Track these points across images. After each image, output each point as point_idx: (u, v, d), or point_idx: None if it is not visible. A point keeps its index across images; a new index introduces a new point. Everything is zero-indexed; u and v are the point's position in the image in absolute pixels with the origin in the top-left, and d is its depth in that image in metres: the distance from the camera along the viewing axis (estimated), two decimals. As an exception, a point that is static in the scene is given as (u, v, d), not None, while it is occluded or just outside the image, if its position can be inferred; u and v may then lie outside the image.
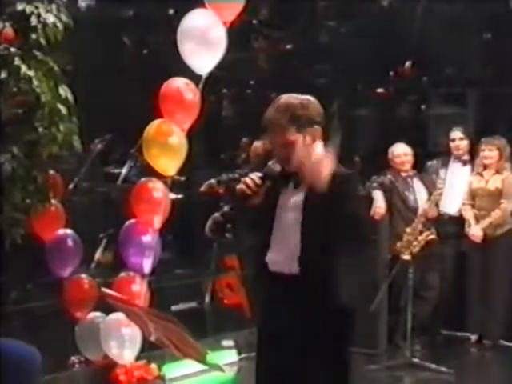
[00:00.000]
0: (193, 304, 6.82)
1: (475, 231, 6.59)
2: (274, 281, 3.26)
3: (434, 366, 5.98)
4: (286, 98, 3.29)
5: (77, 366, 5.49)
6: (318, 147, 3.27)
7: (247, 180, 3.22)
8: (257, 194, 3.22)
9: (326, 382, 3.21)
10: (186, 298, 6.82)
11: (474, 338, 6.76)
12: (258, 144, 6.47)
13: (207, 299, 6.58)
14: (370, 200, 6.42)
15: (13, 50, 4.68)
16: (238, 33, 5.60)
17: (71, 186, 6.45)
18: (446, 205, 6.62)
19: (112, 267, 6.26)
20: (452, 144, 6.94)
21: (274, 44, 10.39)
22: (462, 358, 6.53)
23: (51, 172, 5.13)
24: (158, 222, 5.39)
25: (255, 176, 3.24)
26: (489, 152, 6.63)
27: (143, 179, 5.53)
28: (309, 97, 3.31)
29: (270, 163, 3.32)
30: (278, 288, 3.24)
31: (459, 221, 6.78)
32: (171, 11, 9.35)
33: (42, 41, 4.74)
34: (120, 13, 9.78)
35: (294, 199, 3.25)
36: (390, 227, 6.51)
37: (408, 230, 6.15)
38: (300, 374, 3.20)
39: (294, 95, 3.31)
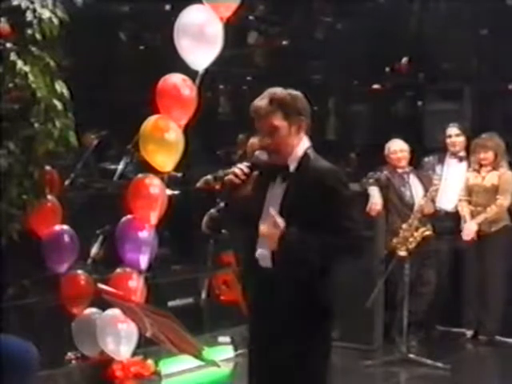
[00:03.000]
0: (189, 300, 6.81)
1: (469, 226, 6.59)
2: (262, 275, 3.23)
3: (429, 361, 5.99)
4: (273, 88, 3.28)
5: (73, 361, 5.50)
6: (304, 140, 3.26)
7: (235, 169, 3.22)
8: (245, 183, 3.22)
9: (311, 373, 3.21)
10: (182, 294, 6.82)
11: (469, 333, 6.77)
12: (254, 140, 6.44)
13: (204, 295, 6.58)
14: (366, 196, 6.43)
15: (9, 45, 4.67)
16: (234, 29, 5.58)
17: (67, 182, 6.45)
18: (443, 201, 6.62)
19: (108, 263, 6.25)
20: (448, 140, 6.94)
21: (270, 40, 10.38)
22: (457, 353, 6.53)
23: (47, 168, 5.13)
24: (154, 217, 5.39)
25: (243, 165, 3.23)
26: (484, 154, 6.64)
27: (140, 175, 5.53)
28: (297, 91, 3.29)
29: (256, 153, 3.30)
30: (266, 283, 3.20)
31: (455, 217, 6.78)
32: (168, 7, 9.34)
33: (38, 36, 4.73)
34: (116, 8, 9.75)
35: (278, 192, 3.24)
36: (387, 223, 6.51)
37: (404, 226, 6.15)
38: (291, 367, 3.19)
39: (282, 88, 3.29)
